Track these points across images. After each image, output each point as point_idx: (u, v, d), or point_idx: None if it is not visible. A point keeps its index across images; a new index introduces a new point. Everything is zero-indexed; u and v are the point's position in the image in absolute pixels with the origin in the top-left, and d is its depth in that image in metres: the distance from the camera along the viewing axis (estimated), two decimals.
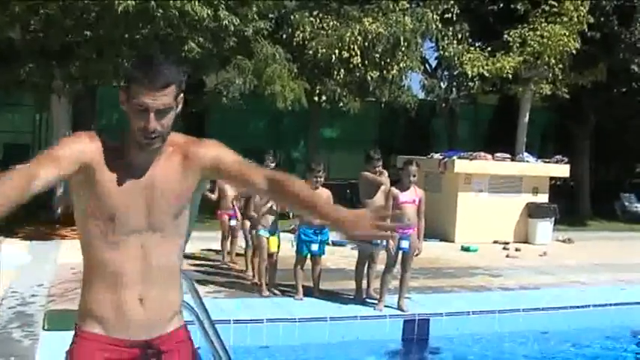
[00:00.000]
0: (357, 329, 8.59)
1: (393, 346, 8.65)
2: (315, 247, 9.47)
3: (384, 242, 9.14)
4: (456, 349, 8.66)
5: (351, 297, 9.53)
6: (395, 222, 3.57)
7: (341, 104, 18.59)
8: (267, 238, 9.60)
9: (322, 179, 9.50)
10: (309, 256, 9.58)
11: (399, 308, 9.06)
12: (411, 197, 8.92)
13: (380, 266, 9.49)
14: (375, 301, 9.20)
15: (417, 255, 9.14)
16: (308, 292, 9.56)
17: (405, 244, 8.92)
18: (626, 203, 24.06)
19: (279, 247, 9.76)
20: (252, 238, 10.43)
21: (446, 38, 19.85)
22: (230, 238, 11.95)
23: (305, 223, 9.39)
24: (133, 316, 2.97)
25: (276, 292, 9.67)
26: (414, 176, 8.93)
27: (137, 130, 2.86)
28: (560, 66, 19.37)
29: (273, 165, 11.33)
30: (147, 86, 2.81)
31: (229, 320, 8.01)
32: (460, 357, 8.46)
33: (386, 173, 9.83)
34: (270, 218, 9.59)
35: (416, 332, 8.73)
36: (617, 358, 8.91)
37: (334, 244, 12.99)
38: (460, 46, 19.68)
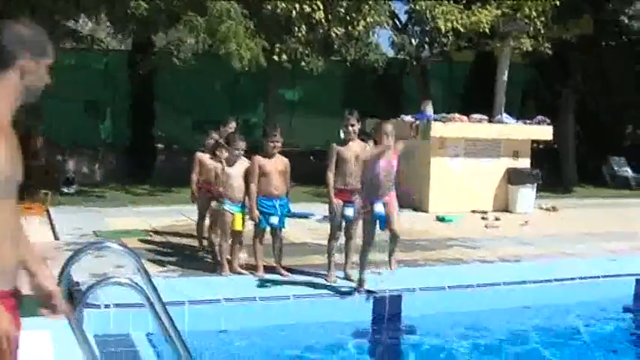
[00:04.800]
0: (323, 308, 8.64)
1: (363, 326, 8.68)
2: (274, 219, 9.49)
3: (362, 214, 9.26)
4: (430, 326, 8.70)
5: (317, 273, 9.59)
6: None
7: (303, 64, 18.50)
8: (233, 214, 9.58)
9: (280, 145, 9.53)
10: (268, 229, 9.61)
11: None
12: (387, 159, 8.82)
13: (360, 242, 9.65)
14: (351, 282, 9.29)
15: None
16: (269, 269, 9.62)
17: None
18: (616, 167, 24.28)
19: (244, 224, 9.76)
20: (212, 211, 10.35)
21: None
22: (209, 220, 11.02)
23: (262, 193, 9.41)
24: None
25: (244, 271, 9.70)
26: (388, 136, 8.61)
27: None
28: (542, 19, 19.41)
29: (232, 130, 11.17)
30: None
31: (184, 302, 8.03)
32: (435, 335, 8.51)
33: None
34: (239, 192, 9.57)
35: (387, 310, 8.78)
36: (607, 335, 9.00)
37: (296, 216, 13.00)
38: None
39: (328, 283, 9.25)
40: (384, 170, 8.57)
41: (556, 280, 10.03)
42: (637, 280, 10.33)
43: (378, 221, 8.66)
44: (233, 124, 11.41)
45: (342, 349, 8.08)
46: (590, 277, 10.24)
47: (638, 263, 11.08)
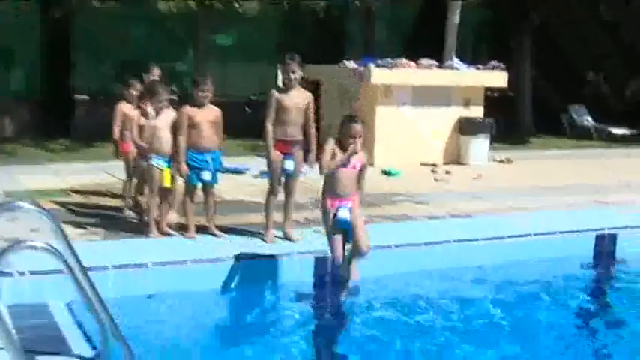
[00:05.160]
0: (261, 270, 8.68)
1: (305, 288, 8.71)
2: (206, 175, 9.48)
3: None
4: (376, 287, 8.76)
5: (254, 233, 9.63)
6: None
7: (236, 5, 18.38)
8: (161, 170, 9.54)
9: (210, 94, 9.48)
10: (199, 186, 9.61)
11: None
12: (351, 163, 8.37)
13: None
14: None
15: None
16: (202, 230, 9.64)
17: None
18: (575, 116, 24.55)
19: (173, 180, 9.74)
20: (140, 169, 10.28)
21: None
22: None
23: (192, 147, 9.39)
24: None
25: (172, 232, 9.72)
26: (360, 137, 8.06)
27: None
28: None
29: (156, 78, 11.14)
30: None
31: (107, 266, 8.01)
32: (381, 296, 8.57)
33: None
34: (166, 146, 9.52)
35: (330, 270, 8.81)
36: (565, 294, 9.13)
37: (230, 171, 12.99)
38: None
39: (266, 244, 9.29)
40: (348, 175, 8.08)
41: (510, 236, 10.15)
42: (597, 236, 10.50)
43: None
44: (157, 71, 11.37)
45: (282, 313, 8.15)
46: (547, 233, 10.41)
47: (598, 218, 11.29)
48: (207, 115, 9.45)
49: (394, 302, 8.42)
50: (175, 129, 9.41)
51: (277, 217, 9.59)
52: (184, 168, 9.37)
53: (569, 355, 7.50)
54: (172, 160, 9.52)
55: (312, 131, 9.48)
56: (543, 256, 9.95)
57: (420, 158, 16.64)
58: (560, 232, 10.48)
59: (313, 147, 9.48)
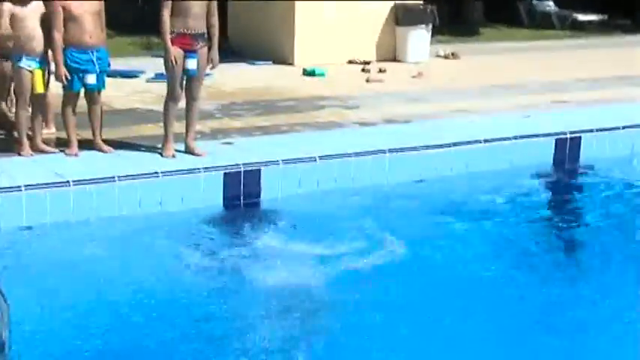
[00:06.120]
0: (159, 191, 8.66)
1: (212, 212, 8.72)
2: (91, 78, 9.32)
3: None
4: (297, 207, 8.77)
5: (150, 147, 9.60)
6: None
7: None
8: (32, 72, 9.29)
9: None
10: (82, 92, 9.50)
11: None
12: None
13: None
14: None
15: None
16: (86, 145, 9.56)
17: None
18: (534, 1, 24.63)
19: (47, 84, 9.58)
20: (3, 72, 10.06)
21: None
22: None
23: (72, 43, 9.21)
24: None
25: (49, 148, 9.58)
26: None
27: None
28: None
29: None
30: None
31: None
32: (303, 217, 8.61)
33: None
34: (37, 43, 9.27)
35: (243, 188, 8.87)
36: (520, 209, 9.31)
37: (120, 74, 12.88)
38: None
39: (165, 159, 9.27)
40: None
41: (456, 144, 10.26)
42: (557, 141, 10.70)
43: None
44: None
45: (183, 240, 8.05)
46: (499, 139, 10.53)
47: (558, 120, 11.46)
48: (88, 5, 9.25)
49: (321, 221, 8.41)
50: (48, 22, 9.22)
51: (178, 127, 9.55)
52: (63, 70, 9.20)
53: (527, 273, 7.62)
54: (44, 60, 9.32)
55: (216, 23, 9.41)
56: (495, 167, 10.12)
57: (349, 55, 16.62)
58: (515, 138, 10.60)
59: (216, 41, 9.43)
